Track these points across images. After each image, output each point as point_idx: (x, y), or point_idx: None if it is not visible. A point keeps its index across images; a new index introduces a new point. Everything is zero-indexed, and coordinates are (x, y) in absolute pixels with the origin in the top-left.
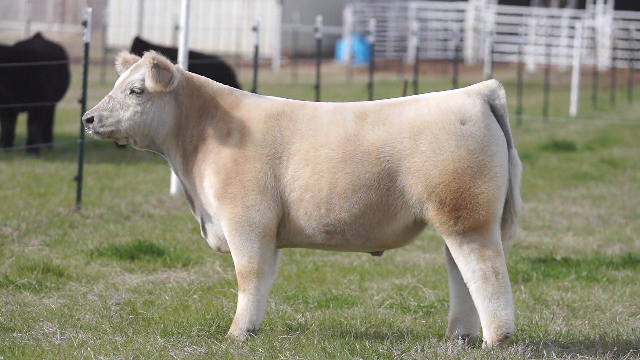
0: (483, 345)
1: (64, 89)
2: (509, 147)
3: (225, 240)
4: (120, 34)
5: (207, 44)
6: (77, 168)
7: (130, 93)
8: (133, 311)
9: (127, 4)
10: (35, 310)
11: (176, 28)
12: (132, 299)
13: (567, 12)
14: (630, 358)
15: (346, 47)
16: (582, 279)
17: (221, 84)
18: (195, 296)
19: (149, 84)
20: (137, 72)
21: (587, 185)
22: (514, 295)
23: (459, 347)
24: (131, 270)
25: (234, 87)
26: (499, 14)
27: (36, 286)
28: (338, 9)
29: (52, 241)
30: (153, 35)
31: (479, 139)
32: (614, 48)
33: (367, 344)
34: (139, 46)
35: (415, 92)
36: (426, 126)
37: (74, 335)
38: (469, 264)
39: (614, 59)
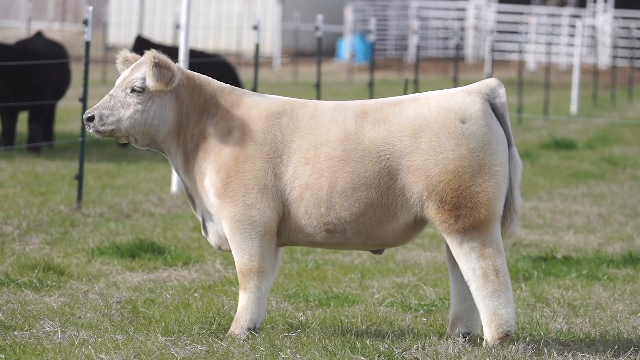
0: (484, 343)
1: (64, 88)
2: (509, 145)
3: (226, 239)
4: (121, 33)
5: (207, 43)
6: (78, 166)
7: (131, 92)
8: (134, 310)
9: (127, 2)
10: (36, 308)
11: (177, 27)
12: (133, 298)
13: (568, 10)
14: (631, 356)
15: (347, 46)
16: (582, 277)
17: (221, 82)
18: (196, 294)
19: (150, 83)
20: (138, 70)
21: (588, 183)
22: (515, 293)
23: (460, 346)
24: (132, 268)
25: (237, 86)
26: (500, 12)
27: (37, 285)
28: (339, 7)
29: (53, 240)
30: (154, 34)
31: (479, 138)
32: (615, 46)
33: (367, 342)
34: (141, 45)
35: (416, 91)
36: (426, 125)
37: (75, 334)
38: (469, 262)
39: (615, 57)
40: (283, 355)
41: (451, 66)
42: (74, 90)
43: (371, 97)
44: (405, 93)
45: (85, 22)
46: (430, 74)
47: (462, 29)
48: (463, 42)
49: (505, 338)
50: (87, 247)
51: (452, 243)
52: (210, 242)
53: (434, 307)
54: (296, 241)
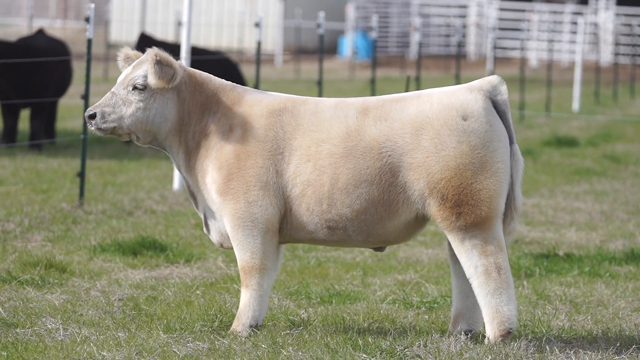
0: (486, 340)
1: (66, 85)
2: (511, 142)
3: (228, 236)
4: (122, 30)
5: (209, 40)
6: (80, 164)
7: (133, 89)
8: (136, 307)
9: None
10: (38, 306)
11: (179, 24)
12: (134, 295)
13: (570, 7)
14: (633, 353)
15: (348, 43)
16: (584, 274)
17: (223, 80)
18: (198, 292)
19: (152, 81)
20: (140, 68)
21: (590, 180)
22: (517, 290)
23: (462, 343)
24: (134, 266)
25: (241, 84)
26: (502, 9)
27: (39, 282)
28: (340, 4)
29: (55, 237)
30: (156, 32)
31: (480, 135)
32: (617, 44)
33: (369, 339)
34: (145, 42)
35: (418, 88)
36: (428, 122)
37: (77, 331)
38: (471, 259)
39: (617, 54)
40: (285, 353)
41: (453, 63)
42: (76, 88)
43: (373, 94)
44: (407, 90)
45: (87, 20)
46: (432, 71)
47: (464, 26)
48: (465, 39)
49: (507, 335)
50: (89, 245)
51: (454, 240)
52: (212, 239)
53: (435, 305)
54: (298, 238)
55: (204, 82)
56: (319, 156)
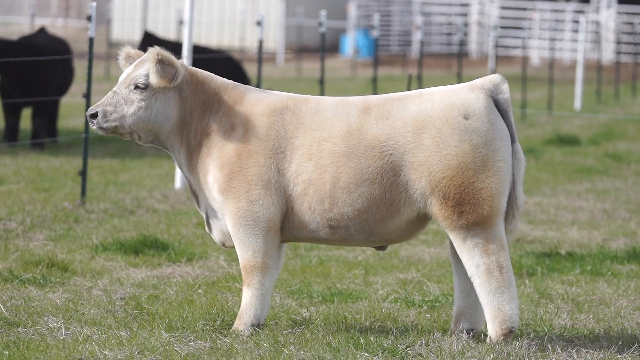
0: (487, 339)
1: (68, 84)
2: (513, 141)
3: (230, 235)
4: (124, 29)
5: (211, 39)
6: (82, 163)
7: (135, 88)
8: (138, 306)
9: None
10: (40, 305)
11: (180, 22)
12: (136, 294)
13: (571, 6)
14: (635, 352)
15: (350, 42)
16: (586, 273)
17: (225, 78)
18: (199, 291)
19: (153, 80)
20: (141, 67)
21: (592, 179)
22: (519, 289)
23: (464, 342)
24: (136, 265)
25: (244, 82)
26: (503, 8)
27: (41, 281)
28: (342, 3)
29: (57, 236)
30: (157, 30)
31: (482, 134)
32: (618, 42)
33: (371, 338)
34: (149, 41)
35: (419, 87)
36: (430, 121)
37: (79, 330)
38: (472, 258)
39: (618, 53)
40: (287, 352)
41: (455, 62)
42: (78, 86)
43: (375, 93)
44: (408, 89)
45: (89, 18)
46: (434, 69)
47: (466, 24)
48: (466, 37)
49: (509, 334)
50: (91, 244)
51: (456, 239)
52: (214, 238)
53: (437, 303)
54: (299, 237)
55: (205, 81)
56: (320, 155)
